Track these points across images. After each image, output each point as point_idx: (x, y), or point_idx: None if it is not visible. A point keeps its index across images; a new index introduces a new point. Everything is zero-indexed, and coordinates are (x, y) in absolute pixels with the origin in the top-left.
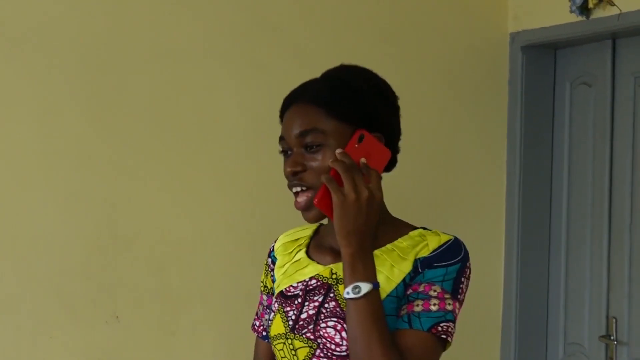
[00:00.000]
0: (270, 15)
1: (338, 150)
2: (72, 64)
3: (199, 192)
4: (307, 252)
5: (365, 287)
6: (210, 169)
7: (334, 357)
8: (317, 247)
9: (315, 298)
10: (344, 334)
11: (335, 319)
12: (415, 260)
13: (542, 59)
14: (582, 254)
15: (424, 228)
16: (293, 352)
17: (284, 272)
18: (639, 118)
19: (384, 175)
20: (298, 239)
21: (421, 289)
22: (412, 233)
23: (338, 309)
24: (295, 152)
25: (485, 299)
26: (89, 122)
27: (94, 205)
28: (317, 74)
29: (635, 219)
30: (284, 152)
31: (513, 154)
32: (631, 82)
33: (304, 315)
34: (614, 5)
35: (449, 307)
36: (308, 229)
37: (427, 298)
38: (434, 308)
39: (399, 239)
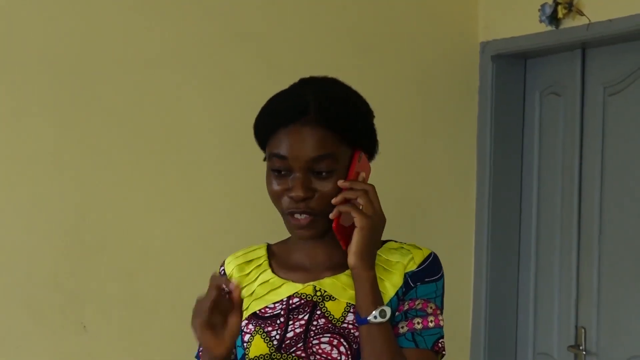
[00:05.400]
0: (242, 24)
1: (341, 182)
2: (41, 69)
3: (168, 199)
4: (273, 272)
5: (388, 311)
6: (180, 176)
7: None
8: (283, 266)
9: (300, 316)
10: (342, 349)
11: (329, 335)
12: (405, 275)
13: (512, 69)
14: (552, 264)
15: (393, 240)
16: None
17: (251, 294)
18: (608, 128)
19: None
20: (251, 260)
21: (418, 305)
22: (388, 245)
23: (329, 325)
24: (304, 176)
25: (454, 309)
26: (57, 128)
27: (62, 212)
28: (288, 83)
29: (605, 229)
30: (278, 170)
31: (483, 163)
32: (600, 92)
33: (290, 334)
34: (583, 15)
35: (442, 323)
36: (258, 249)
37: (425, 315)
38: (431, 325)
39: (377, 252)
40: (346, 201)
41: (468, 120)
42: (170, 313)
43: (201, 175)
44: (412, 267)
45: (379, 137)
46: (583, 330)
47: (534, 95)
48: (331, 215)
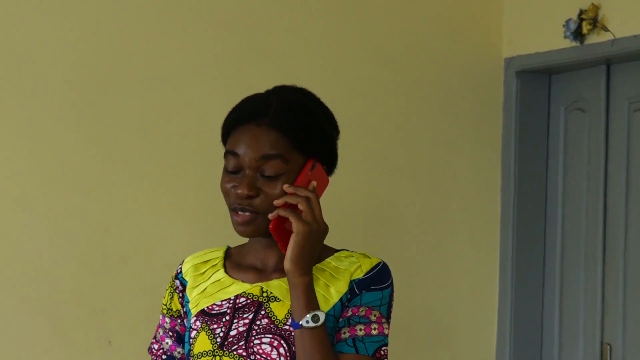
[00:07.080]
0: (263, 40)
1: (286, 186)
2: (65, 85)
3: (191, 213)
4: (226, 272)
5: (322, 316)
6: (202, 191)
7: None
8: (236, 267)
9: (245, 315)
10: (281, 350)
11: (270, 336)
12: (351, 282)
13: (536, 84)
14: (577, 281)
15: (346, 250)
16: None
17: (202, 292)
18: (633, 143)
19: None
20: (209, 260)
21: (362, 312)
22: (338, 254)
23: (272, 326)
24: (250, 174)
25: (479, 325)
26: (81, 144)
27: (85, 227)
28: None
29: (630, 246)
30: (231, 169)
31: (507, 179)
32: (625, 108)
33: (233, 332)
34: (608, 30)
35: (386, 331)
36: (217, 251)
37: (368, 322)
38: (374, 332)
39: (327, 259)
40: (289, 206)
41: (492, 136)
42: None
43: None
44: (359, 274)
45: (404, 152)
46: (608, 347)
47: (559, 111)
48: (270, 216)
